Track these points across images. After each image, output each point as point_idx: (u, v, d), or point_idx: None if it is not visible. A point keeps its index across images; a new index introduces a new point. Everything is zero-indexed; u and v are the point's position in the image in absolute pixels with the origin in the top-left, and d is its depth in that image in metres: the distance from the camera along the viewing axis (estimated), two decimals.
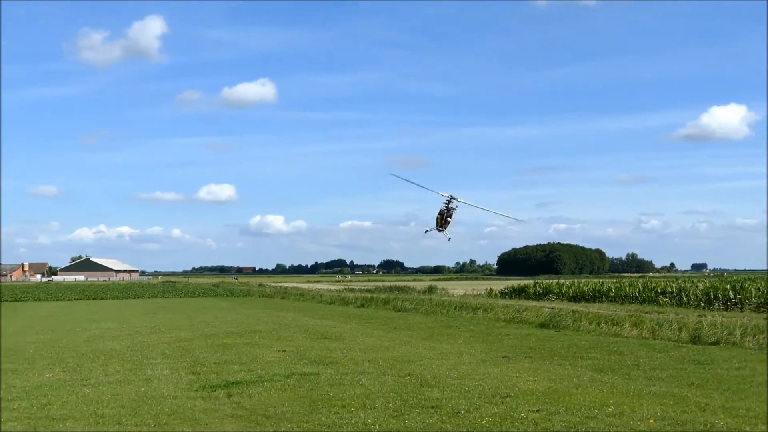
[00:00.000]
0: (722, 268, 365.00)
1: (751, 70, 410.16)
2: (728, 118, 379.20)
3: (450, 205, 26.00)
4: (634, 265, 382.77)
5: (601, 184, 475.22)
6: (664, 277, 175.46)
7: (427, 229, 26.81)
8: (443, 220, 26.08)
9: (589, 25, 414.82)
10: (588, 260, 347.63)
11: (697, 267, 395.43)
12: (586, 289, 67.62)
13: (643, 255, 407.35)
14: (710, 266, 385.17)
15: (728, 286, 57.58)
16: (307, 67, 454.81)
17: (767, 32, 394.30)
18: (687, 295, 55.96)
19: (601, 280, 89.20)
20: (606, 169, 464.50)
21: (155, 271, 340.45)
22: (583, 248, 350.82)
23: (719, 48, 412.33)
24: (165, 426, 13.57)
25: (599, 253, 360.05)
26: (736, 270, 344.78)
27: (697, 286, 60.49)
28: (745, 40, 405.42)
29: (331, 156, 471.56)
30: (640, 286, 65.88)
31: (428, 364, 21.19)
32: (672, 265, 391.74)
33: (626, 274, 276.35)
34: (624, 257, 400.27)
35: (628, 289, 63.53)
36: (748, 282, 63.90)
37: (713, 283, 64.07)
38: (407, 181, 27.04)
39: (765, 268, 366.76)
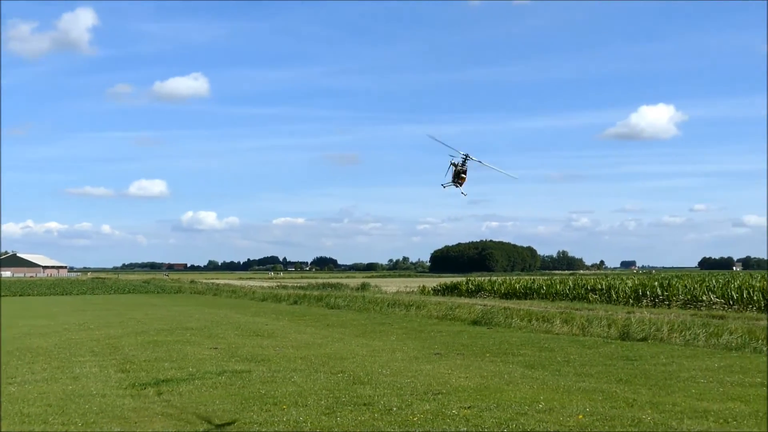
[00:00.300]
0: (650, 265, 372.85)
1: (679, 71, 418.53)
2: (657, 117, 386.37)
3: (464, 163, 27.10)
4: (565, 262, 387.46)
5: (533, 182, 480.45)
6: (594, 274, 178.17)
7: (443, 184, 28.00)
8: (458, 176, 27.27)
9: (522, 24, 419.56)
10: (520, 258, 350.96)
11: (626, 264, 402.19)
12: (517, 286, 68.28)
13: (573, 253, 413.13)
14: (639, 264, 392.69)
15: (656, 283, 58.68)
16: (241, 61, 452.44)
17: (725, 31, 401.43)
18: (616, 293, 56.87)
19: (532, 278, 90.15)
20: (538, 168, 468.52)
21: (84, 268, 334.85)
22: (515, 246, 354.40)
23: (649, 48, 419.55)
24: (93, 425, 13.33)
25: (531, 251, 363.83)
26: (663, 267, 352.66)
27: (626, 284, 61.49)
28: (674, 40, 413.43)
29: (264, 152, 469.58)
30: (570, 283, 66.75)
31: (361, 362, 21.18)
32: (602, 262, 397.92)
33: (557, 272, 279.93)
34: (555, 255, 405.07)
35: (558, 287, 64.30)
36: (675, 279, 65.26)
37: (642, 281, 65.21)
38: (441, 143, 27.93)
39: (692, 265, 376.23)
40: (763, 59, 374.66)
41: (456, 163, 26.25)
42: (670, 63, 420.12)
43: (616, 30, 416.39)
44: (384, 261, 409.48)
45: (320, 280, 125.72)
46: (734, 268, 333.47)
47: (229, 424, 13.18)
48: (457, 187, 26.87)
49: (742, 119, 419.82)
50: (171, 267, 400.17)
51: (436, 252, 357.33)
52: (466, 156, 26.17)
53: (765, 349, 23.37)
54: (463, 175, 26.28)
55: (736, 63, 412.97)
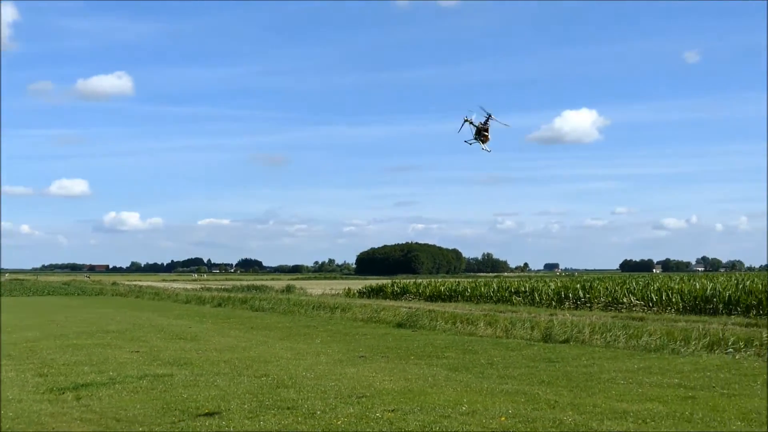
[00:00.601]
0: (573, 267, 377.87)
1: (601, 75, 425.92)
2: (580, 121, 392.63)
3: (487, 122, 28.66)
4: (490, 264, 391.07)
5: (459, 183, 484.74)
6: (519, 276, 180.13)
7: (467, 141, 29.37)
8: (480, 134, 28.77)
9: (449, 25, 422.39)
10: (445, 260, 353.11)
11: (550, 267, 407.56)
12: (442, 288, 68.73)
13: (498, 255, 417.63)
14: (562, 266, 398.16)
15: (578, 285, 59.54)
16: (167, 60, 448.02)
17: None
18: (539, 295, 57.58)
19: (457, 280, 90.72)
20: (463, 170, 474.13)
21: (2, 269, 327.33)
22: (440, 248, 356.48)
23: (572, 52, 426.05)
24: (8, 431, 13.01)
25: (456, 253, 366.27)
26: (586, 270, 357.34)
27: (549, 286, 62.25)
28: (599, 45, 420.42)
29: (189, 151, 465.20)
30: (495, 285, 67.36)
31: (285, 365, 21.05)
32: (526, 264, 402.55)
33: (482, 274, 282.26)
34: (480, 257, 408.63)
35: (483, 289, 64.88)
36: (597, 282, 66.32)
37: (564, 283, 66.10)
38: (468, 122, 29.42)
39: (614, 267, 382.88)
40: (683, 64, 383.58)
41: (471, 120, 27.90)
42: (592, 68, 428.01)
43: (541, 34, 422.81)
44: (310, 263, 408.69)
45: (245, 283, 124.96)
46: (654, 270, 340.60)
47: None
48: (481, 143, 28.67)
49: (663, 123, 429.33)
50: (92, 268, 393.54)
51: (362, 254, 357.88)
52: (489, 116, 27.80)
53: (681, 350, 23.87)
54: (485, 133, 28.05)
55: (656, 68, 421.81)
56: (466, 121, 27.81)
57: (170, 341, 28.18)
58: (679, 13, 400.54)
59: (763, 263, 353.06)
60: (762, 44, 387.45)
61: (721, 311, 43.79)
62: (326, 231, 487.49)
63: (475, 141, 27.92)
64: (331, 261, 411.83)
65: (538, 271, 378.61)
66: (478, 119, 27.51)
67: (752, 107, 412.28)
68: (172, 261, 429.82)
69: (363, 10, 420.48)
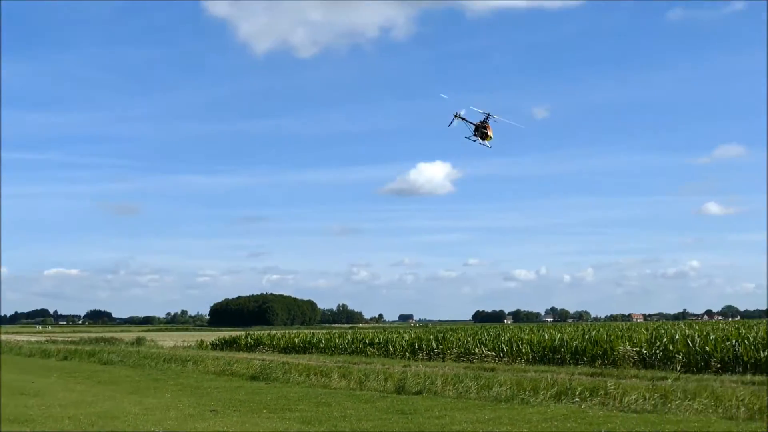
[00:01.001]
0: (427, 318, 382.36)
1: (451, 129, 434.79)
2: (434, 174, 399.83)
3: (486, 120, 29.48)
4: (345, 316, 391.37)
5: (314, 234, 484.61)
6: (373, 327, 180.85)
7: (467, 136, 30.07)
8: (478, 130, 29.63)
9: (305, 77, 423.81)
10: (300, 311, 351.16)
11: (404, 318, 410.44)
12: (297, 340, 68.23)
13: (353, 306, 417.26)
14: (416, 317, 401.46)
15: (431, 336, 60.14)
16: (14, 105, 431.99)
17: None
18: (393, 346, 57.81)
19: (312, 332, 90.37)
20: (319, 221, 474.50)
21: None
22: (295, 299, 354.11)
23: (428, 105, 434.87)
24: None
25: (311, 304, 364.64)
26: (439, 321, 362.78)
27: (402, 337, 62.63)
28: (442, 99, 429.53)
29: (36, 199, 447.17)
30: (349, 337, 67.35)
31: (133, 420, 20.41)
32: (381, 315, 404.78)
33: (337, 325, 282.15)
34: (335, 308, 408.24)
35: (337, 340, 64.73)
36: (450, 333, 67.13)
37: (418, 334, 66.65)
38: (463, 119, 30.18)
39: (467, 318, 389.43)
40: (532, 119, 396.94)
41: (461, 115, 28.91)
42: (445, 121, 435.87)
43: (396, 86, 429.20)
44: (162, 314, 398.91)
45: (93, 335, 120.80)
46: (505, 320, 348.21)
47: None
48: (481, 140, 29.65)
49: (513, 177, 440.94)
50: None
51: (215, 305, 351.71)
52: (488, 115, 28.88)
53: (566, 400, 24.35)
54: (484, 130, 29.06)
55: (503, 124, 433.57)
56: (456, 116, 29.04)
57: (10, 398, 26.86)
58: (531, 72, 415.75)
59: (609, 314, 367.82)
60: (601, 103, 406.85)
61: (569, 361, 44.94)
62: (179, 281, 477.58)
63: (475, 138, 29.10)
64: (183, 312, 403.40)
65: (393, 322, 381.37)
66: (467, 114, 28.69)
67: (596, 162, 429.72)
68: (16, 312, 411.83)
69: (219, 59, 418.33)
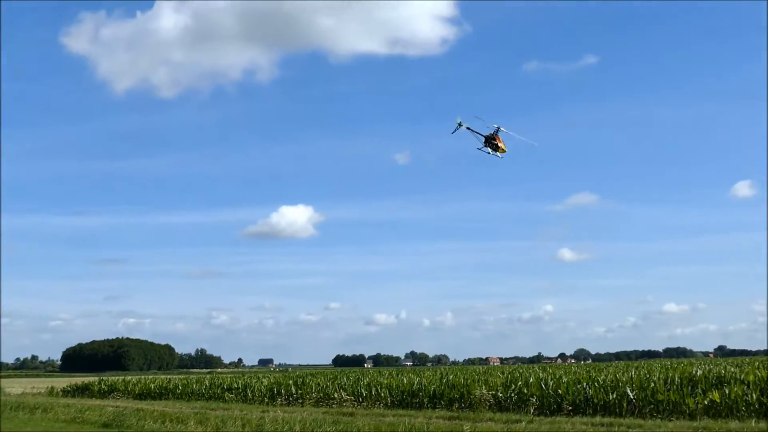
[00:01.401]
0: (287, 363, 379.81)
1: (319, 174, 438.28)
2: (296, 217, 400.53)
3: (497, 133, 30.31)
4: (203, 360, 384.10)
5: (174, 278, 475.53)
6: (232, 372, 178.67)
7: (479, 147, 30.97)
8: (489, 142, 30.54)
9: (167, 117, 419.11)
10: (157, 356, 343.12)
11: (264, 362, 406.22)
12: (152, 386, 66.59)
13: (212, 350, 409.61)
14: (276, 361, 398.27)
15: (291, 381, 59.68)
16: None
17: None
18: (252, 391, 57.13)
19: (168, 377, 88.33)
20: (179, 264, 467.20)
21: None
22: (152, 343, 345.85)
23: (290, 150, 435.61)
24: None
25: (169, 349, 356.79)
26: (300, 365, 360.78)
27: (261, 382, 61.94)
28: (313, 144, 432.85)
29: None
30: (207, 382, 66.15)
31: None
32: (240, 360, 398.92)
33: (195, 370, 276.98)
34: (193, 352, 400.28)
35: (195, 386, 63.51)
36: (309, 377, 66.95)
37: (277, 379, 66.06)
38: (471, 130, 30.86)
39: (327, 362, 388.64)
40: (394, 165, 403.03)
41: (463, 123, 29.60)
42: (308, 165, 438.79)
43: (259, 129, 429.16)
44: (10, 360, 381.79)
45: None
46: (366, 365, 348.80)
47: None
48: (491, 151, 30.42)
49: (374, 221, 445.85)
50: None
51: (68, 350, 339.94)
52: (498, 128, 29.91)
53: None
54: (494, 142, 29.84)
55: (370, 168, 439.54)
56: (459, 125, 29.98)
57: None
58: (392, 118, 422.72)
59: (467, 357, 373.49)
60: (461, 150, 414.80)
61: (427, 405, 45.26)
62: (29, 325, 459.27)
63: (486, 149, 30.20)
64: (34, 357, 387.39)
65: (253, 366, 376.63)
66: (474, 125, 29.72)
67: (455, 207, 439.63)
68: None
69: (78, 97, 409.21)
